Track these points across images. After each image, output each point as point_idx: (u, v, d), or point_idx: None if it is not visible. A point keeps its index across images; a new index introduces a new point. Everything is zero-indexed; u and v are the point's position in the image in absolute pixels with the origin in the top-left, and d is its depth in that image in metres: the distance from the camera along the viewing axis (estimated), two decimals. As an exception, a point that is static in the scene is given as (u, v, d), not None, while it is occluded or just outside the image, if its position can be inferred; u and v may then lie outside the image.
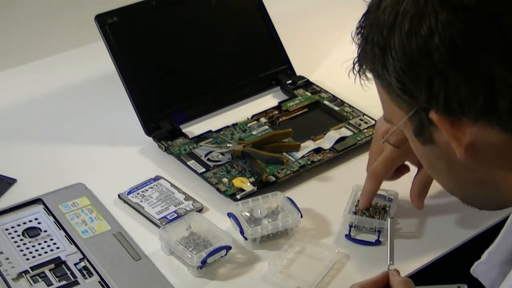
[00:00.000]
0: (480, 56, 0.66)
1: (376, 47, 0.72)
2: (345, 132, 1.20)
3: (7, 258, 0.98)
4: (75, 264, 0.98)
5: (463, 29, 0.66)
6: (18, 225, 1.03)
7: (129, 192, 1.09)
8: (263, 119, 1.25)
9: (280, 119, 1.25)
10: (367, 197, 1.02)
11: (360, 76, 0.77)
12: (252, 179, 1.10)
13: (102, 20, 1.21)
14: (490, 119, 0.69)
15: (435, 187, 1.09)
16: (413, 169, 1.04)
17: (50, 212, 1.06)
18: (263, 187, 1.09)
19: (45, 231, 1.03)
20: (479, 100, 0.67)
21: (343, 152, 1.16)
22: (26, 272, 0.96)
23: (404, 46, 0.69)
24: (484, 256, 0.80)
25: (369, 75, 0.76)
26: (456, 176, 0.77)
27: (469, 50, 0.66)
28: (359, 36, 0.75)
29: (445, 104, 0.69)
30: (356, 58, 0.77)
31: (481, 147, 0.71)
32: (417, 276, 0.97)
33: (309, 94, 1.31)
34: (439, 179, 0.82)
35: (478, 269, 0.82)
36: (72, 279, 0.96)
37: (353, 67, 0.77)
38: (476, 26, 0.66)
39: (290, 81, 1.34)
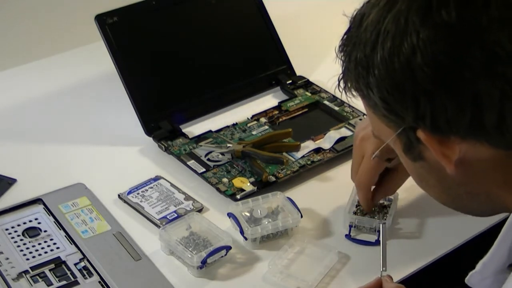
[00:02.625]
0: (465, 74, 0.65)
1: (360, 66, 0.71)
2: (345, 132, 1.20)
3: (7, 258, 0.98)
4: (75, 264, 0.98)
5: (446, 47, 0.65)
6: (18, 225, 1.03)
7: (129, 192, 1.09)
8: (263, 119, 1.25)
9: (280, 119, 1.25)
10: (365, 205, 1.02)
11: (346, 93, 0.76)
12: (252, 179, 1.10)
13: (102, 20, 1.21)
14: (478, 136, 0.68)
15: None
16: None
17: (50, 212, 1.06)
18: (263, 187, 1.09)
19: (45, 231, 1.03)
20: (466, 117, 0.67)
21: (343, 152, 1.16)
22: (26, 272, 0.96)
23: (387, 66, 0.68)
24: (478, 266, 0.80)
25: (355, 93, 0.76)
26: (448, 190, 0.77)
27: (453, 68, 0.65)
28: (342, 53, 0.74)
29: (432, 123, 0.68)
30: (341, 75, 0.76)
31: (471, 162, 0.70)
32: (415, 278, 0.97)
33: (309, 94, 1.31)
34: (431, 193, 0.81)
35: (472, 278, 0.82)
36: (72, 279, 0.96)
37: (338, 84, 0.76)
38: (459, 42, 0.65)
39: (290, 81, 1.34)
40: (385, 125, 0.74)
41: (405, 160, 0.77)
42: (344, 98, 0.77)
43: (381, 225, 0.95)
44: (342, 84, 0.76)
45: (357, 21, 0.72)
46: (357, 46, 0.71)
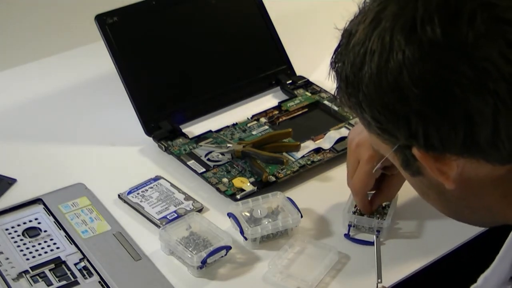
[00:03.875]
0: (455, 92, 0.64)
1: (350, 86, 0.70)
2: (345, 132, 1.20)
3: (7, 258, 0.98)
4: (75, 264, 0.98)
5: (433, 65, 0.64)
6: (18, 225, 1.03)
7: (129, 192, 1.09)
8: (263, 119, 1.25)
9: (280, 119, 1.25)
10: (363, 209, 1.02)
11: (343, 108, 0.76)
12: (252, 179, 1.10)
13: (102, 20, 1.21)
14: (473, 153, 0.67)
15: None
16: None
17: (50, 212, 1.06)
18: (263, 187, 1.09)
19: (45, 231, 1.03)
20: (459, 136, 0.66)
21: (343, 152, 1.16)
22: (26, 272, 0.96)
23: (375, 86, 0.67)
24: (480, 280, 0.79)
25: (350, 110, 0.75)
26: (449, 204, 0.77)
27: (442, 86, 0.64)
28: (334, 71, 0.73)
29: (425, 142, 0.67)
30: (336, 92, 0.75)
31: (469, 178, 0.70)
32: (414, 278, 0.97)
33: (309, 94, 1.31)
34: (432, 205, 0.81)
35: None
36: (72, 279, 0.96)
37: (335, 98, 0.76)
38: (446, 60, 0.64)
39: (290, 81, 1.34)
40: (381, 142, 0.74)
41: (405, 174, 0.77)
42: None
43: (374, 237, 0.95)
44: (338, 100, 0.75)
45: (346, 38, 0.71)
46: (346, 65, 0.70)
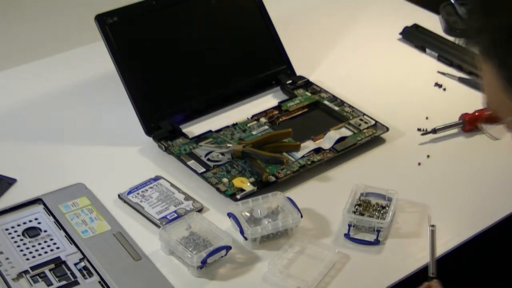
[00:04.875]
0: None
1: (504, 33, 0.63)
2: (345, 132, 1.20)
3: (7, 258, 0.98)
4: (75, 264, 0.98)
5: None
6: (18, 225, 1.03)
7: (129, 192, 1.09)
8: (263, 119, 1.25)
9: (280, 119, 1.25)
10: None
11: (466, 52, 0.67)
12: (252, 179, 1.10)
13: (102, 20, 1.21)
14: None
15: (434, 185, 1.09)
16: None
17: (50, 212, 1.06)
18: (263, 187, 1.09)
19: (45, 231, 1.03)
20: None
21: (343, 152, 1.16)
22: (26, 272, 0.96)
23: None
24: None
25: (481, 57, 0.67)
26: None
27: None
28: (480, 13, 0.66)
29: None
30: (465, 31, 0.68)
31: None
32: (414, 278, 0.97)
33: (309, 94, 1.31)
34: None
35: None
36: (72, 279, 0.96)
37: (458, 38, 0.68)
38: None
39: (290, 81, 1.34)
40: (510, 98, 0.66)
41: None
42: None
43: (429, 228, 0.93)
44: (462, 43, 0.68)
45: None
46: (503, 10, 0.63)
